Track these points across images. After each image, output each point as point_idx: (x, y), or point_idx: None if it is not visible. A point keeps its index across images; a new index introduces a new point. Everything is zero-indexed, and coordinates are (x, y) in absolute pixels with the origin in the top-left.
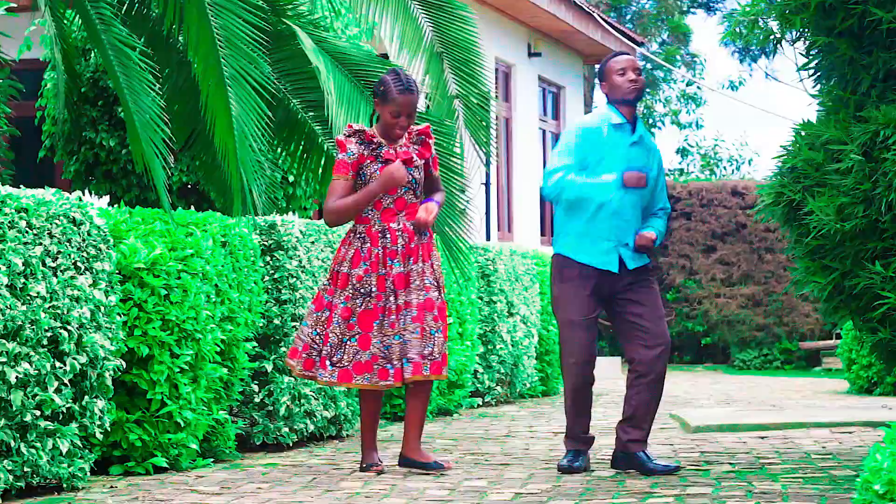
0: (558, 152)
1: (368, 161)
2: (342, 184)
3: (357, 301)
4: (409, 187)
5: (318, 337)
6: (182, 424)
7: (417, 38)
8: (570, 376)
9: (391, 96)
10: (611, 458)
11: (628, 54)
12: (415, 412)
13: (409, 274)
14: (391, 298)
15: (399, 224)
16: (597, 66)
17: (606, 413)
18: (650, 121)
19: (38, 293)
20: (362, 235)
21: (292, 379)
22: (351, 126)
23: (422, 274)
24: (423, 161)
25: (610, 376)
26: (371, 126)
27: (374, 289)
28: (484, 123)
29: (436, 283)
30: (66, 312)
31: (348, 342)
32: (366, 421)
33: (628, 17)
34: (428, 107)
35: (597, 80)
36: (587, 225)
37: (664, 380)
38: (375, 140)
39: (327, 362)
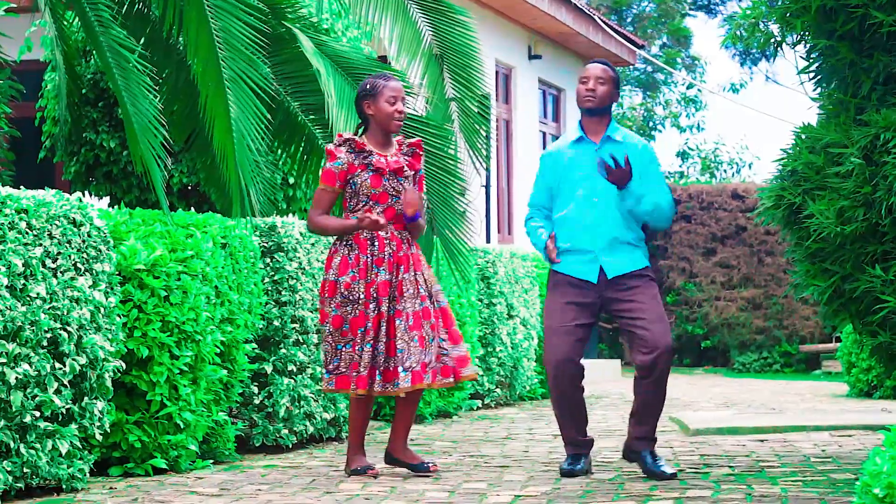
0: (533, 187)
1: (359, 170)
2: (327, 195)
3: (347, 308)
4: (398, 198)
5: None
6: (182, 426)
7: (416, 41)
8: (550, 379)
9: (381, 85)
10: (621, 451)
11: (601, 62)
12: (405, 415)
13: (400, 283)
14: (372, 306)
15: (387, 233)
16: None
17: (606, 415)
18: (650, 124)
19: (38, 294)
20: (349, 243)
21: (292, 381)
22: (341, 135)
23: (414, 283)
24: (413, 172)
25: (609, 378)
26: (360, 135)
27: (361, 296)
28: (481, 129)
29: (428, 292)
30: (65, 313)
31: (343, 349)
32: (357, 425)
33: (629, 19)
34: (427, 109)
35: None
36: (568, 239)
37: (665, 383)
38: (367, 149)
39: (325, 372)
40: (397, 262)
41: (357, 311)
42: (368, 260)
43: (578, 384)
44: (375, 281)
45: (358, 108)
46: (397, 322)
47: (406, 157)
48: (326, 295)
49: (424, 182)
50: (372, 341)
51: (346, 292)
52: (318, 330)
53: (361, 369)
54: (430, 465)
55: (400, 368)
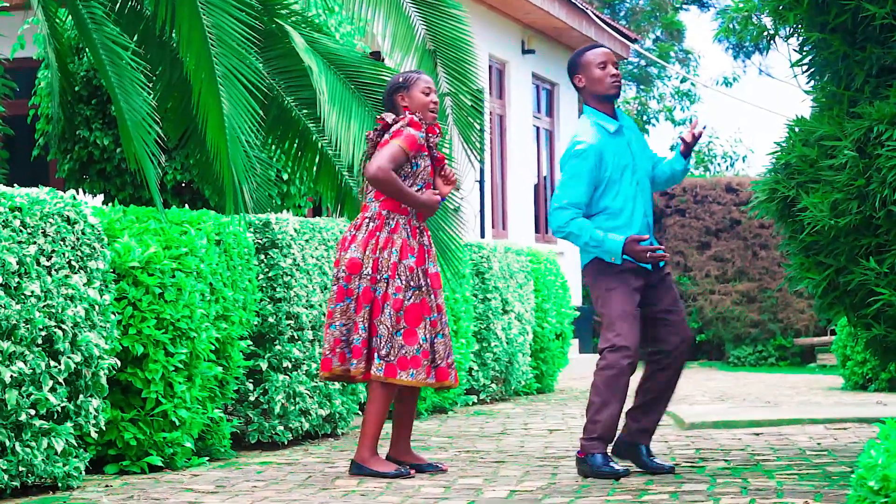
0: (568, 182)
1: (424, 153)
2: (402, 155)
3: (408, 294)
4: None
5: (343, 328)
6: (177, 423)
7: (409, 36)
8: (622, 365)
9: (414, 78)
10: (614, 444)
11: (604, 47)
12: (409, 414)
13: (437, 274)
14: (432, 297)
15: (425, 223)
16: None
17: None
18: (644, 117)
19: (32, 292)
20: (406, 227)
21: (287, 377)
22: (410, 112)
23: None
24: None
25: None
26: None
27: (422, 283)
28: (476, 123)
29: None
30: (60, 311)
31: (396, 336)
32: (383, 422)
33: (622, 13)
34: None
35: (568, 73)
36: (625, 230)
37: (681, 372)
38: (437, 132)
39: (376, 356)
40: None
41: (418, 299)
42: (417, 249)
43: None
44: (429, 272)
45: (390, 101)
46: (439, 313)
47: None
48: (387, 274)
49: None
50: (444, 331)
51: (409, 276)
52: (334, 310)
53: (439, 361)
54: (442, 464)
55: (446, 362)
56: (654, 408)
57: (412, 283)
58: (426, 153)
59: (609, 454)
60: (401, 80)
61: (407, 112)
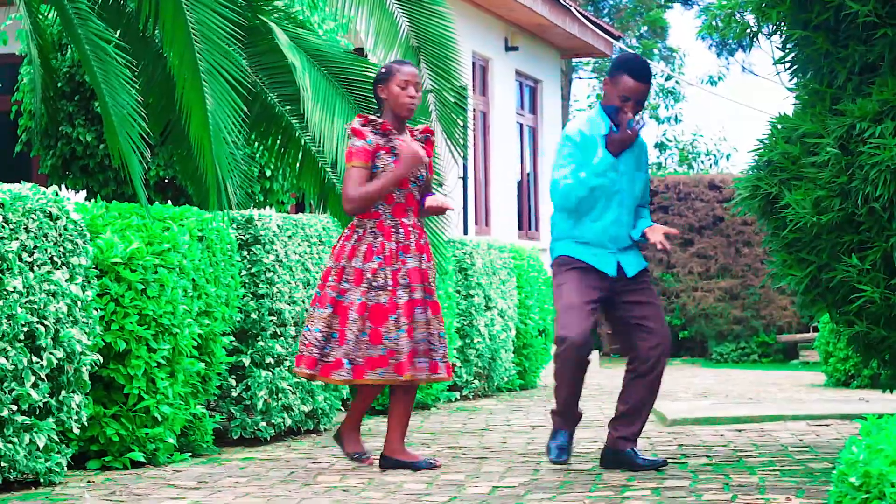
0: (561, 162)
1: (383, 152)
2: (363, 172)
3: (370, 295)
4: (417, 184)
5: (319, 334)
6: (159, 419)
7: (393, 32)
8: (567, 354)
9: (395, 70)
10: (600, 455)
11: (646, 80)
12: (404, 411)
13: (425, 271)
14: (402, 293)
15: (410, 220)
16: (574, 60)
17: (584, 406)
18: None
19: (14, 288)
20: (373, 230)
21: (270, 373)
22: (363, 116)
23: (434, 273)
24: (429, 159)
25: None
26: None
27: (389, 282)
28: (459, 120)
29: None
30: (42, 307)
31: (361, 338)
32: (358, 413)
33: (605, 11)
34: None
35: (608, 73)
36: (588, 233)
37: (661, 380)
38: (391, 129)
39: (344, 361)
40: (420, 251)
41: (383, 299)
42: (394, 247)
43: (587, 364)
44: (402, 268)
45: (374, 92)
46: (429, 311)
47: (421, 145)
48: (352, 283)
49: (433, 168)
50: (406, 327)
51: (371, 278)
52: (311, 315)
53: (400, 356)
54: (436, 461)
55: (437, 358)
56: (637, 416)
57: (375, 284)
58: (384, 151)
59: (564, 435)
60: (382, 70)
61: (386, 102)
